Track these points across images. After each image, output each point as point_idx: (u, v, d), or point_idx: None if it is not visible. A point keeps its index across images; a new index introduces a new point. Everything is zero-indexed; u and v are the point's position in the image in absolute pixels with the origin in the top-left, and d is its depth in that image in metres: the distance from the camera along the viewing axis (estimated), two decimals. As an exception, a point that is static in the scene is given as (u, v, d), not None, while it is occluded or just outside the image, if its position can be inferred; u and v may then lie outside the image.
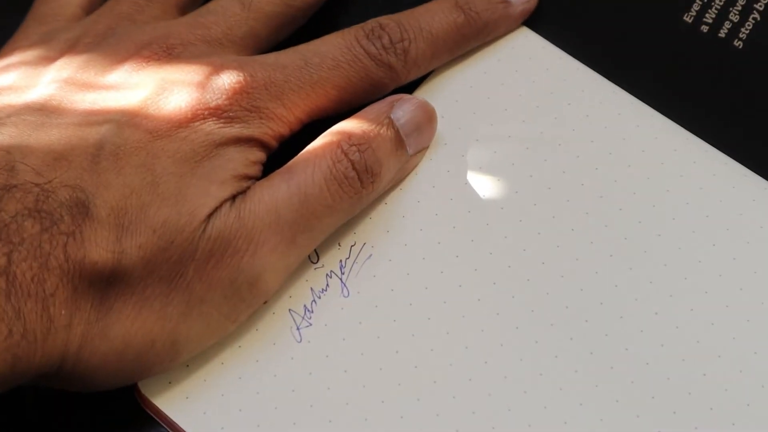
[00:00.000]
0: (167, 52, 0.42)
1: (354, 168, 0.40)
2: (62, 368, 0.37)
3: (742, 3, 0.47)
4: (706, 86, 0.45)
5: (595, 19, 0.47)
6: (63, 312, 0.36)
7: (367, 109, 0.43)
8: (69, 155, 0.38)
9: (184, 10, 0.47)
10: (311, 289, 0.42)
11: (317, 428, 0.39)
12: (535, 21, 0.47)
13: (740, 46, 0.46)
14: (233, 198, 0.39)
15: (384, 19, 0.44)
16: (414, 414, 0.39)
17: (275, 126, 0.41)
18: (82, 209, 0.37)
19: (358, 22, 0.44)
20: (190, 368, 0.40)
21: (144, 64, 0.42)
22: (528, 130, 0.45)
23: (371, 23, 0.44)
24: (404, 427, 0.39)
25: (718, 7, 0.47)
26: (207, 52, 0.43)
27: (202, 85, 0.41)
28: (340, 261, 0.42)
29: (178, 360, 0.39)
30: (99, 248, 0.37)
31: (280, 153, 0.42)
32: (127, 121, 0.40)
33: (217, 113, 0.40)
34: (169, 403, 0.39)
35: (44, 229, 0.36)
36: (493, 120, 0.45)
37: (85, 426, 0.41)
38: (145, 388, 0.40)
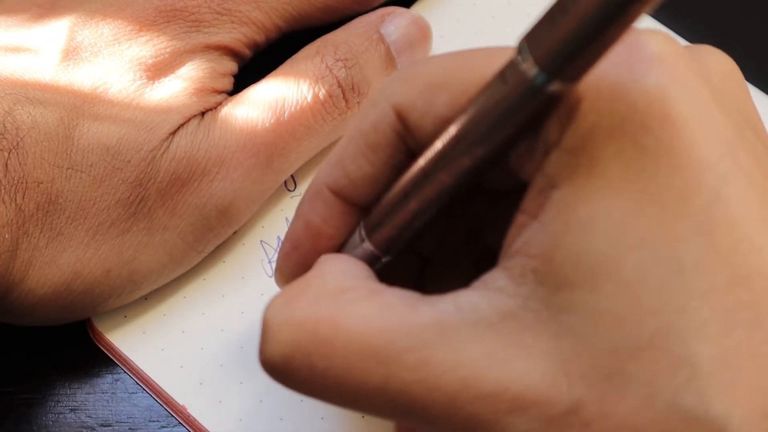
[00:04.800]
0: None
1: (339, 85, 0.38)
2: (6, 299, 0.36)
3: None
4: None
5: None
6: (7, 236, 0.34)
7: (355, 22, 0.41)
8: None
9: None
10: (286, 218, 0.40)
11: None
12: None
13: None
14: (202, 114, 0.38)
15: None
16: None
17: (249, 32, 0.39)
18: (26, 120, 0.35)
19: None
20: (148, 302, 0.39)
21: None
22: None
23: None
24: None
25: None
26: None
27: None
28: None
29: (136, 292, 0.38)
30: (45, 164, 0.35)
31: (256, 67, 0.40)
32: (83, 22, 0.38)
33: (183, 15, 0.38)
34: (124, 338, 0.38)
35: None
36: (498, 43, 0.41)
37: (31, 364, 0.39)
38: (99, 323, 0.39)
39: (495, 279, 0.26)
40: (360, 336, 0.26)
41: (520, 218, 0.26)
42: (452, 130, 0.27)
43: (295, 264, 0.31)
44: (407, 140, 0.29)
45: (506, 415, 0.25)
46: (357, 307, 0.27)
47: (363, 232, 0.30)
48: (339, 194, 0.30)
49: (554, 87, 0.24)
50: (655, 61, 0.25)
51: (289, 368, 0.27)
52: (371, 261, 0.30)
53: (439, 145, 0.27)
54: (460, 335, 0.26)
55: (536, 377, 0.25)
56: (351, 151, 0.30)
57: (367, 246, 0.30)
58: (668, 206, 0.25)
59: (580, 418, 0.25)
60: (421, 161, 0.28)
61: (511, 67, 0.25)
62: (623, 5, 0.22)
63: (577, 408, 0.25)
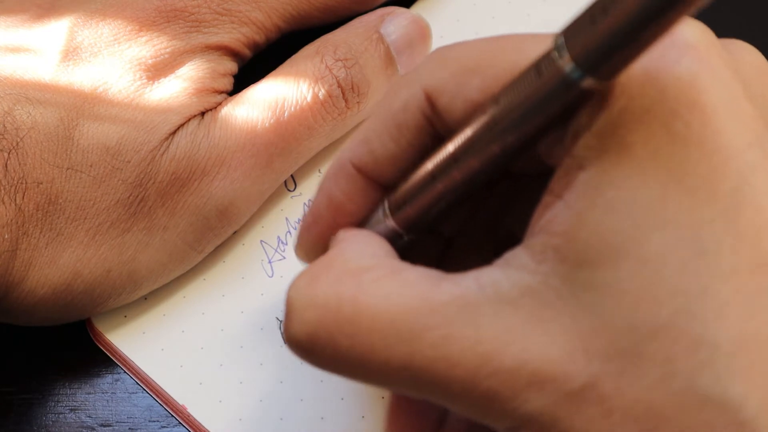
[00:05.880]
0: None
1: (339, 85, 0.38)
2: (6, 299, 0.35)
3: None
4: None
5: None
6: (7, 236, 0.34)
7: (355, 22, 0.40)
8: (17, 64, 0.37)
9: None
10: (286, 218, 0.40)
11: (286, 369, 0.38)
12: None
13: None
14: (202, 114, 0.37)
15: None
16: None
17: (249, 32, 0.39)
18: (26, 120, 0.35)
19: None
20: (148, 302, 0.39)
21: None
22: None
23: None
24: None
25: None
26: None
27: None
28: None
29: (136, 292, 0.38)
30: (45, 164, 0.35)
31: (256, 67, 0.40)
32: (83, 22, 0.38)
33: (183, 15, 0.38)
34: (123, 338, 0.38)
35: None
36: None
37: (31, 364, 0.39)
38: (99, 323, 0.39)
39: (517, 256, 0.26)
40: (382, 314, 0.26)
41: (546, 198, 0.27)
42: (484, 117, 0.27)
43: (315, 237, 0.32)
44: (435, 123, 0.29)
45: (524, 389, 0.25)
46: (379, 285, 0.27)
47: (387, 210, 0.30)
48: (362, 171, 0.31)
49: (589, 83, 0.25)
50: (689, 49, 0.26)
51: (314, 347, 0.27)
52: (393, 239, 0.30)
53: (469, 130, 0.27)
54: (481, 312, 0.26)
55: (554, 353, 0.25)
56: (378, 130, 0.30)
57: (391, 224, 0.30)
58: (695, 190, 0.25)
59: (597, 394, 0.25)
60: (451, 145, 0.28)
61: (546, 60, 0.25)
62: (663, 11, 0.23)
63: (593, 384, 0.25)
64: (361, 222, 0.31)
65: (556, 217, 0.26)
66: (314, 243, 0.32)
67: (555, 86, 0.25)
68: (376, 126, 0.30)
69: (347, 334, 0.26)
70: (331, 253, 0.29)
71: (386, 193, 0.31)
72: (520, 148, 0.27)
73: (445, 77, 0.29)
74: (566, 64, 0.24)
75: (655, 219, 0.25)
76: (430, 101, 0.29)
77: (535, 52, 0.26)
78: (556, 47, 0.25)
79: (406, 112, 0.29)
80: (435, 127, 0.29)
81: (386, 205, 0.30)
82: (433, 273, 0.27)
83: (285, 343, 0.28)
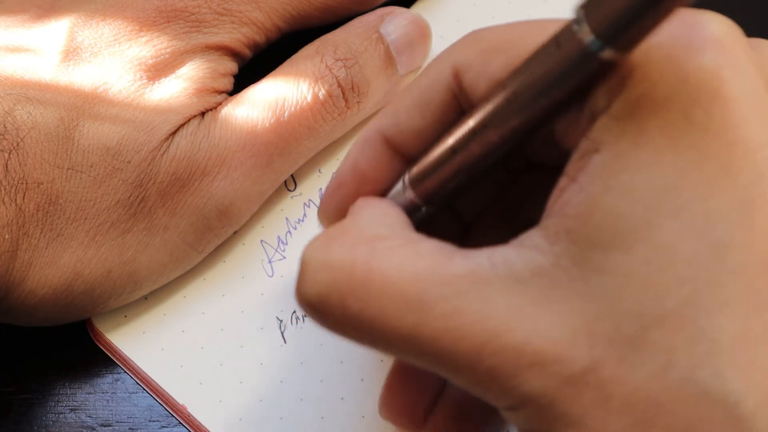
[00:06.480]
0: None
1: (339, 85, 0.38)
2: (6, 299, 0.35)
3: None
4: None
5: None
6: (7, 237, 0.34)
7: (355, 22, 0.40)
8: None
9: None
10: (286, 218, 0.40)
11: (286, 369, 0.38)
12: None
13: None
14: (202, 114, 0.37)
15: None
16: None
17: (249, 32, 0.39)
18: (26, 120, 0.35)
19: None
20: (148, 301, 0.39)
21: None
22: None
23: None
24: (384, 369, 0.37)
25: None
26: None
27: None
28: (320, 189, 0.41)
29: (137, 292, 0.38)
30: (45, 164, 0.35)
31: (256, 67, 0.40)
32: (83, 22, 0.38)
33: (183, 16, 0.38)
34: (124, 338, 0.38)
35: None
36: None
37: (31, 364, 0.39)
38: (99, 323, 0.38)
39: (531, 237, 0.26)
40: (394, 282, 0.26)
41: (561, 182, 0.27)
42: (504, 91, 0.27)
43: (337, 202, 0.32)
44: (460, 100, 0.30)
45: (525, 369, 0.25)
46: (393, 254, 0.27)
47: (407, 181, 0.31)
48: (389, 142, 0.31)
49: (607, 54, 0.25)
50: (713, 41, 0.25)
51: (324, 307, 0.27)
52: (411, 211, 0.31)
53: (490, 104, 0.28)
54: (491, 288, 0.26)
55: (559, 334, 0.25)
56: (406, 104, 0.31)
57: (410, 194, 0.30)
58: (711, 180, 0.25)
59: (596, 379, 0.25)
60: (471, 119, 0.28)
61: (566, 32, 0.25)
62: None
63: (594, 369, 0.25)
64: (382, 193, 0.32)
65: (570, 199, 0.26)
66: (336, 209, 0.32)
67: (574, 58, 0.25)
68: (405, 99, 0.31)
69: (358, 298, 0.26)
70: (349, 219, 0.29)
71: (408, 165, 0.31)
72: (538, 123, 0.27)
73: (472, 55, 0.29)
74: (586, 34, 0.25)
75: (670, 206, 0.25)
76: (457, 78, 0.29)
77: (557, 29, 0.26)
78: (576, 20, 0.25)
79: (434, 88, 0.30)
80: (460, 104, 0.30)
81: (407, 176, 0.31)
82: (446, 246, 0.27)
83: (296, 301, 0.28)
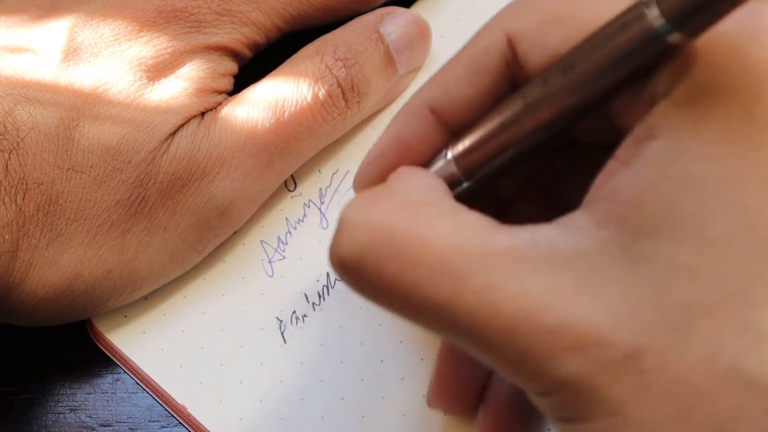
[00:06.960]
0: None
1: (339, 85, 0.38)
2: (6, 300, 0.35)
3: None
4: None
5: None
6: (7, 237, 0.34)
7: (355, 22, 0.40)
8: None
9: None
10: (286, 218, 0.40)
11: (287, 368, 0.38)
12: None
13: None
14: (202, 115, 0.37)
15: None
16: (396, 353, 0.38)
17: (249, 32, 0.39)
18: (26, 121, 0.35)
19: None
20: (148, 302, 0.39)
21: None
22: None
23: None
24: (385, 369, 0.38)
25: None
26: None
27: None
28: (320, 189, 0.40)
29: (137, 292, 0.38)
30: (45, 165, 0.35)
31: (256, 67, 0.40)
32: (83, 22, 0.38)
33: (183, 16, 0.38)
34: (124, 338, 0.38)
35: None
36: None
37: (31, 364, 0.39)
38: (99, 323, 0.38)
39: (576, 219, 0.26)
40: (434, 250, 0.26)
41: (611, 165, 0.26)
42: (563, 66, 0.27)
43: (376, 171, 0.31)
44: (514, 70, 0.29)
45: (564, 351, 0.24)
46: (436, 221, 0.26)
47: (450, 154, 0.30)
48: (436, 113, 0.30)
49: (674, 38, 0.24)
50: None
51: (359, 268, 0.26)
52: (452, 184, 0.30)
53: (546, 78, 0.27)
54: (532, 266, 0.25)
55: (601, 318, 0.24)
56: (457, 73, 0.30)
57: (452, 168, 0.30)
58: (765, 177, 0.24)
59: (639, 366, 0.24)
60: (526, 94, 0.28)
61: (634, 12, 0.25)
62: None
63: (637, 355, 0.24)
64: (423, 165, 0.31)
65: (622, 184, 0.25)
66: (374, 177, 0.31)
67: (641, 39, 0.25)
68: (455, 68, 0.30)
69: (395, 262, 0.26)
70: (392, 183, 0.28)
71: (452, 138, 0.30)
72: (594, 104, 0.27)
73: (528, 24, 0.28)
74: (655, 17, 0.24)
75: (725, 200, 0.24)
76: (512, 47, 0.28)
77: (620, 8, 0.25)
78: (644, 2, 0.25)
79: (487, 57, 0.29)
80: (513, 75, 0.29)
81: (451, 149, 0.30)
82: (489, 220, 0.27)
83: (329, 261, 0.27)
